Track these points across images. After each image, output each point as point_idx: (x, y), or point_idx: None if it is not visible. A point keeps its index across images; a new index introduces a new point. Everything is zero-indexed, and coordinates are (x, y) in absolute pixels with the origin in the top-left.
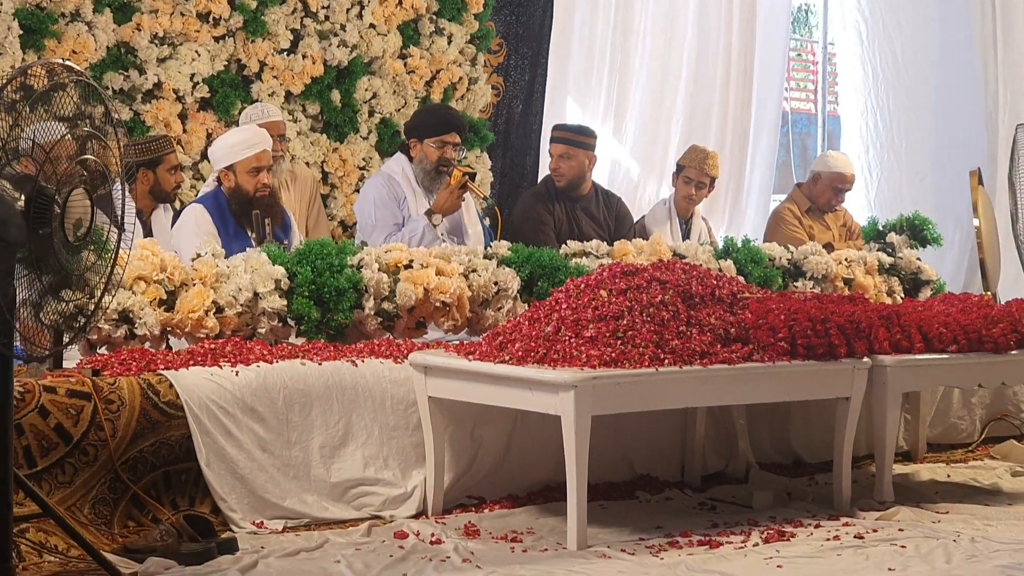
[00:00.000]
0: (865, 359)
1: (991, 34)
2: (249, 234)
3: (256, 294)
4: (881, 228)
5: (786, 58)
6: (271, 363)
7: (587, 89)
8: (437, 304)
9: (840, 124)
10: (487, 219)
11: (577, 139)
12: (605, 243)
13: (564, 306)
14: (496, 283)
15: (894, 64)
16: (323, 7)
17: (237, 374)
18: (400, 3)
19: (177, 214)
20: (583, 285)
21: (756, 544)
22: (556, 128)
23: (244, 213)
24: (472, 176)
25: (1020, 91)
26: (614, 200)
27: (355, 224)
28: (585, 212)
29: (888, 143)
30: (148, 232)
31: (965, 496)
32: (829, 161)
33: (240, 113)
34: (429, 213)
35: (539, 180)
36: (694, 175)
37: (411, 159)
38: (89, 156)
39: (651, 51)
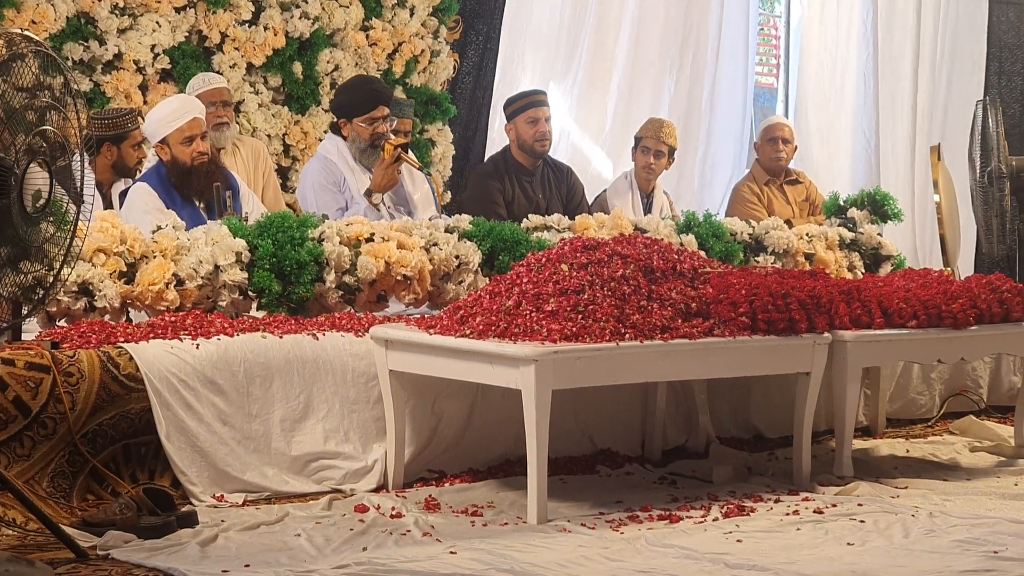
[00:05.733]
0: (825, 334)
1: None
2: (197, 203)
3: (217, 267)
4: (842, 203)
5: (750, 33)
6: (232, 336)
7: (541, 66)
8: (398, 277)
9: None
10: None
11: (546, 100)
12: (566, 217)
13: (525, 280)
14: (457, 257)
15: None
16: None
17: (198, 347)
18: None
19: (124, 194)
20: (544, 259)
21: (716, 519)
22: (533, 93)
23: (184, 184)
24: (405, 147)
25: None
26: (564, 171)
27: None
28: (540, 185)
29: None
30: (108, 205)
31: (924, 471)
32: (760, 126)
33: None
34: (368, 193)
35: (487, 157)
36: (651, 144)
37: (344, 137)
38: (48, 127)
39: (607, 28)
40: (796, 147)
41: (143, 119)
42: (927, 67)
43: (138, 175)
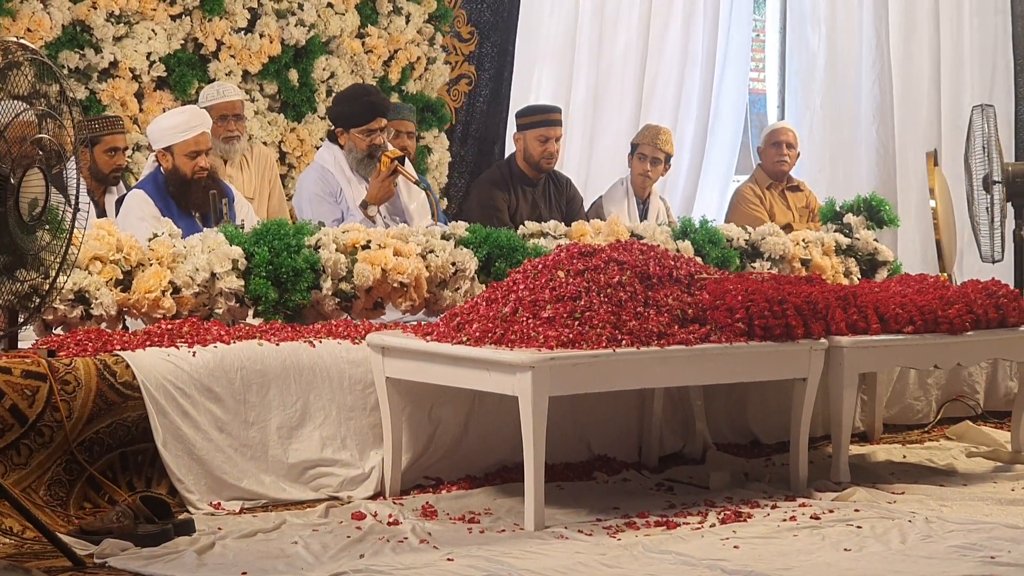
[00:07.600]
0: (822, 340)
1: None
2: (192, 213)
3: (213, 274)
4: (838, 209)
5: (748, 38)
6: (228, 344)
7: (553, 76)
8: (395, 284)
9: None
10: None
11: (560, 119)
12: (563, 224)
13: (522, 287)
14: (454, 264)
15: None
16: None
17: (194, 355)
18: None
19: (120, 200)
20: (541, 266)
21: (713, 525)
22: (548, 111)
23: (182, 195)
24: (401, 160)
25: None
26: (564, 181)
27: None
28: (542, 196)
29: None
30: (101, 213)
31: (920, 477)
32: (763, 130)
33: (197, 92)
34: (364, 205)
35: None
36: (648, 151)
37: (341, 146)
38: (45, 135)
39: (617, 37)
40: (799, 153)
41: (138, 125)
42: (944, 76)
43: (129, 181)
